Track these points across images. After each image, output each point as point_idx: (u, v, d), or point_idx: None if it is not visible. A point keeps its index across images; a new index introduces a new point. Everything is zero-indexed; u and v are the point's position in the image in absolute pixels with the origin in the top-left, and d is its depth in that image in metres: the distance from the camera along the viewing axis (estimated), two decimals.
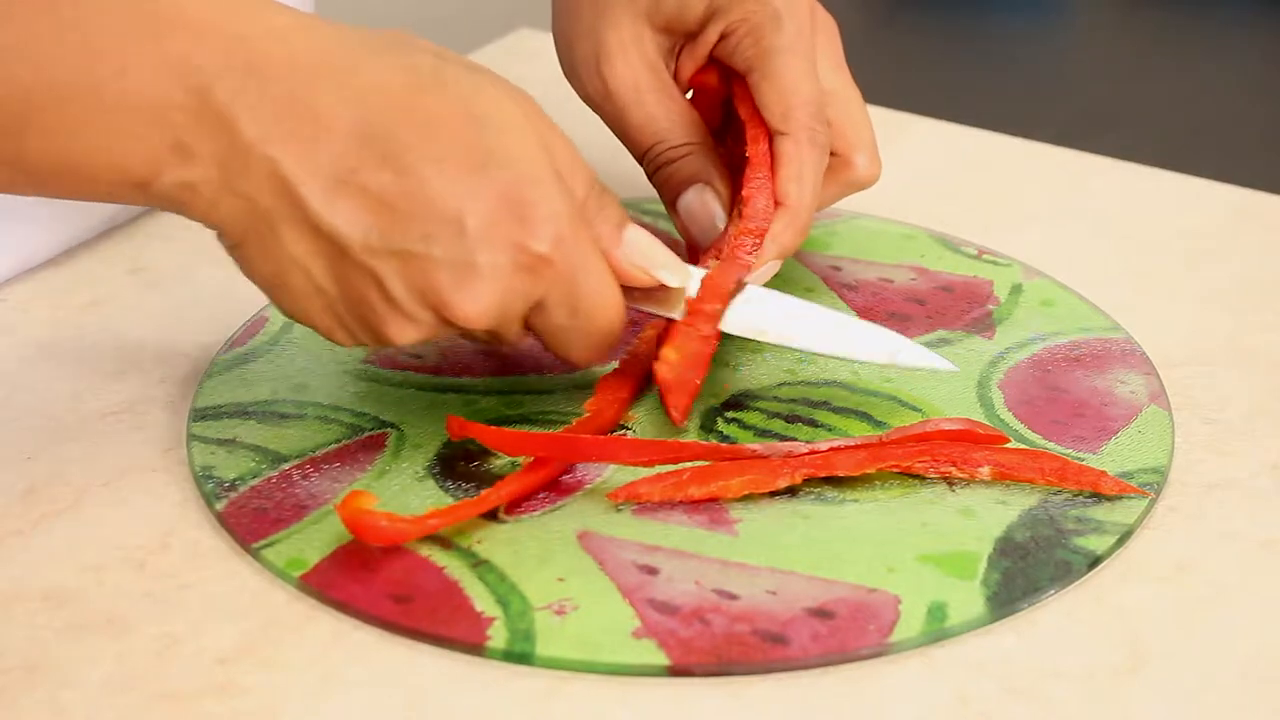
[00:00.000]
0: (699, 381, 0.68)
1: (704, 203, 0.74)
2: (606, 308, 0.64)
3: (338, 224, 0.60)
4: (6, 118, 0.58)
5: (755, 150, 0.72)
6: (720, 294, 0.68)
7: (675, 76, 0.76)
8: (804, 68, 0.73)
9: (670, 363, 0.68)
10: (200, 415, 0.69)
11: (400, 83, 0.60)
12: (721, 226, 0.73)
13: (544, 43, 1.04)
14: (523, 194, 0.61)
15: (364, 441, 0.68)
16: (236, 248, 0.61)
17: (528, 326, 0.64)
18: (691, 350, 0.68)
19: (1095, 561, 0.62)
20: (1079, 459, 0.67)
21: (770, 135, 0.72)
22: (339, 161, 0.59)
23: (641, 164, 0.75)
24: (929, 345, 0.74)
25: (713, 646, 0.58)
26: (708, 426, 0.69)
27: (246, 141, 0.59)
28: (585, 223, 0.63)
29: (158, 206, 0.61)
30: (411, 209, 0.60)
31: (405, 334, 0.62)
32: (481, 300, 0.61)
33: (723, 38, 0.74)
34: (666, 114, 0.74)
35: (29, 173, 0.59)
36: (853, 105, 0.76)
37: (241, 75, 0.59)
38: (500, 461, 0.67)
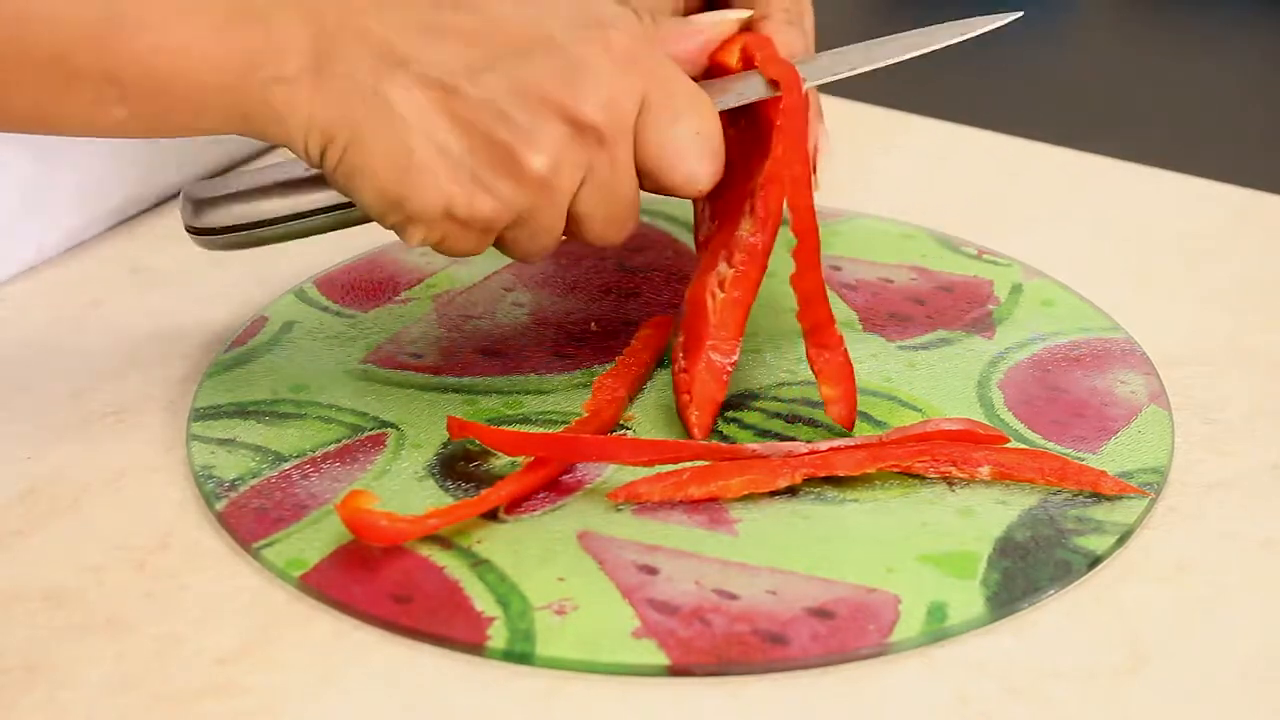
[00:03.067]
0: (720, 397, 0.68)
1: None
2: (702, 102, 0.65)
3: (442, 64, 0.61)
4: (94, 14, 0.58)
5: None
6: (739, 318, 0.68)
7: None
8: None
9: (693, 376, 0.68)
10: (200, 415, 0.69)
11: None
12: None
13: None
14: (591, 6, 0.64)
15: (364, 441, 0.68)
16: (352, 144, 0.61)
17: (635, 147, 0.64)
18: (713, 366, 0.68)
19: (1095, 561, 0.62)
20: (1079, 459, 0.67)
21: (752, 25, 0.72)
22: (420, 15, 0.61)
23: None
24: (929, 345, 0.74)
25: (713, 646, 0.58)
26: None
27: (332, 20, 0.60)
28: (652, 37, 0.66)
29: (258, 129, 0.61)
30: (499, 35, 0.62)
31: (541, 154, 0.62)
32: (597, 91, 0.62)
33: None
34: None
35: (121, 83, 0.59)
36: None
37: None
38: (500, 461, 0.67)
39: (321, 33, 0.60)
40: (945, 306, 0.77)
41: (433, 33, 0.61)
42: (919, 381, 0.72)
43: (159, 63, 0.59)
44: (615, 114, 0.63)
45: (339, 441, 0.68)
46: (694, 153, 0.65)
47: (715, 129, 0.66)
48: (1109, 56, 2.87)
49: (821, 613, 0.60)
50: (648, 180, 0.65)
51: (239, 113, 0.60)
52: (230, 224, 0.68)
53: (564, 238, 0.66)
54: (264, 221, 0.68)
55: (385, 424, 0.69)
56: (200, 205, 0.68)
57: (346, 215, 0.68)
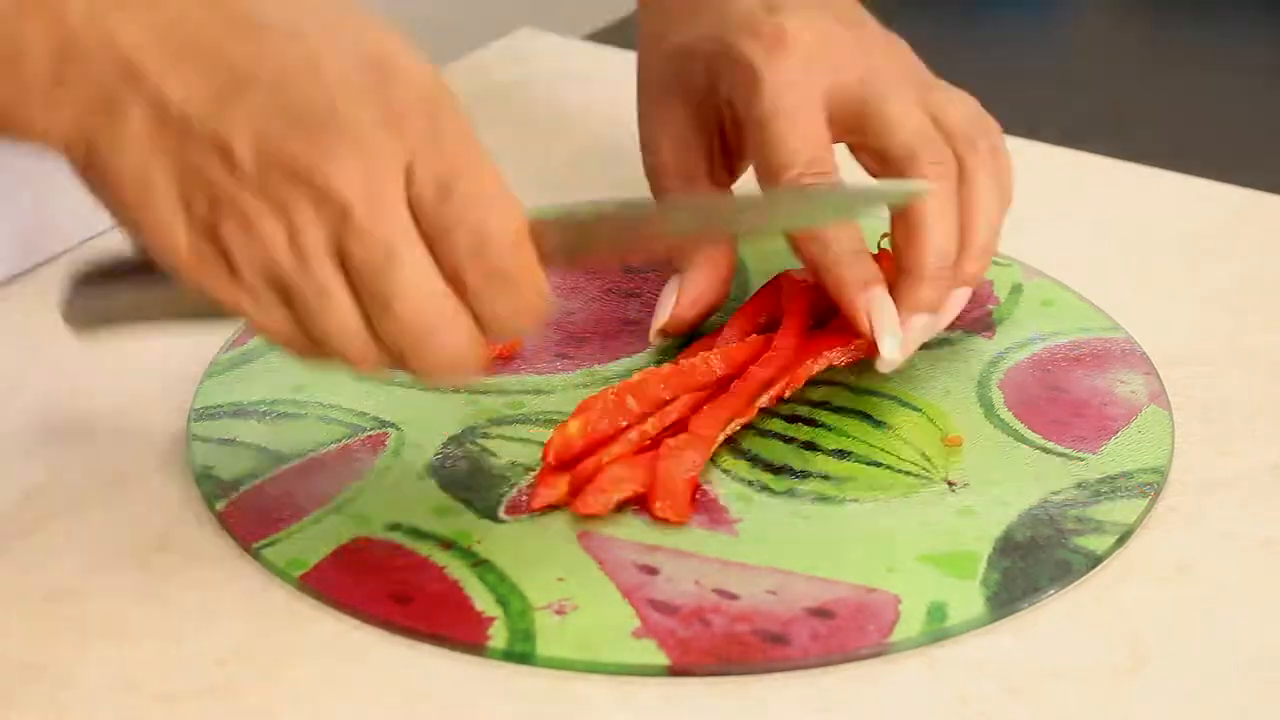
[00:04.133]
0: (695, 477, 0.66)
1: (669, 289, 0.72)
2: (496, 197, 0.55)
3: (182, 89, 0.53)
4: None
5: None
6: (716, 421, 0.67)
7: (725, 152, 0.74)
8: (785, 128, 0.69)
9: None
10: (200, 415, 0.69)
11: None
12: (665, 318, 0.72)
13: (544, 43, 1.04)
14: (385, 49, 0.55)
15: (364, 441, 0.68)
16: (87, 161, 0.54)
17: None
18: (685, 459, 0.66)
19: (1095, 561, 0.62)
20: (1079, 459, 0.67)
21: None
22: (179, 34, 0.54)
23: None
24: (929, 345, 0.74)
25: (713, 646, 0.58)
26: None
27: (77, 18, 0.53)
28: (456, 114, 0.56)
29: (3, 131, 0.54)
30: (258, 66, 0.54)
31: (267, 223, 0.53)
32: (343, 162, 0.53)
33: (729, 105, 0.72)
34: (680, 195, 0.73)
35: None
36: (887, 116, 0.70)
37: None
38: (501, 461, 0.67)
39: (64, 32, 0.53)
40: None
41: (190, 53, 0.54)
42: (919, 381, 0.72)
43: None
44: (365, 186, 0.54)
45: (339, 441, 0.68)
46: (471, 218, 0.55)
47: (492, 191, 0.55)
48: (1109, 56, 2.87)
49: (821, 613, 0.60)
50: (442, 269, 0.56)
51: None
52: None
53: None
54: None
55: (385, 424, 0.69)
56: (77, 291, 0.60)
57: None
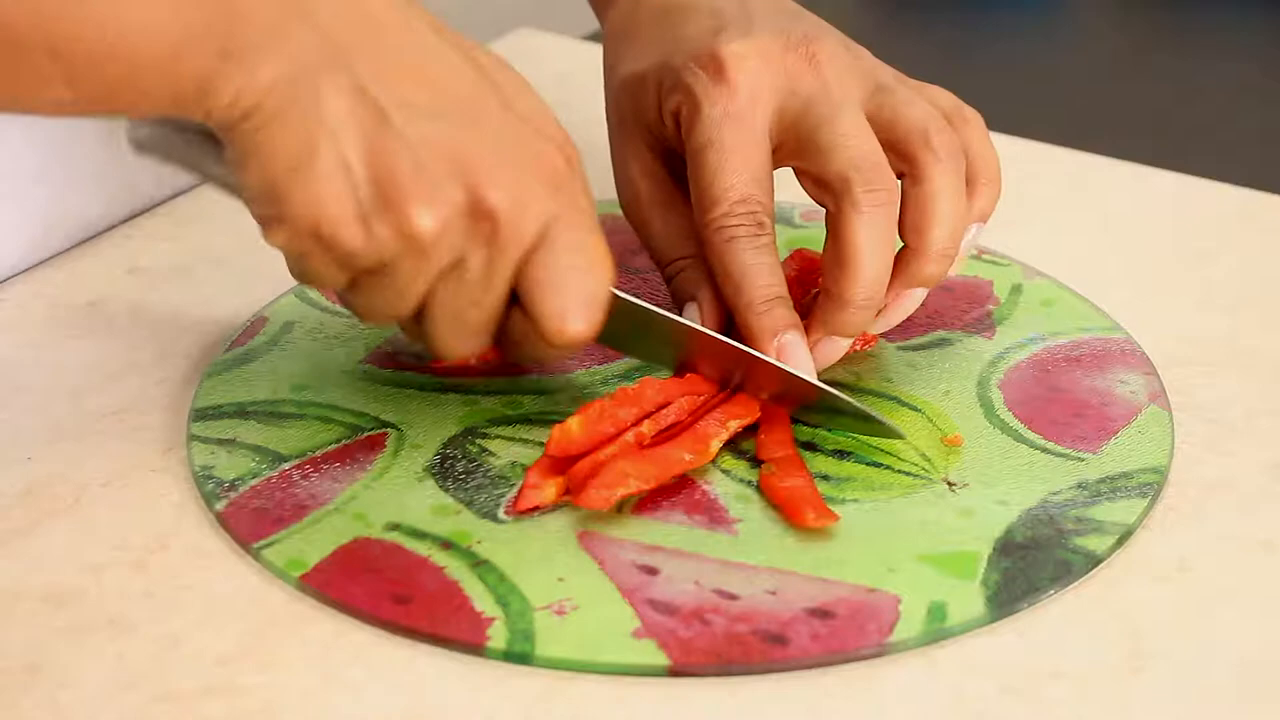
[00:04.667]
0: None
1: (689, 317, 0.70)
2: (603, 258, 0.62)
3: (389, 89, 0.58)
4: None
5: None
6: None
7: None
8: (718, 162, 0.68)
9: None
10: (200, 415, 0.69)
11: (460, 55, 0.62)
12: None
13: (544, 43, 1.04)
14: (549, 126, 0.62)
15: (364, 441, 0.68)
16: (267, 124, 0.57)
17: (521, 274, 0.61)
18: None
19: (1095, 561, 0.62)
20: (1079, 459, 0.67)
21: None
22: (398, 38, 0.59)
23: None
24: (929, 345, 0.74)
25: (713, 646, 0.58)
26: None
27: (298, 6, 0.58)
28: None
29: (188, 95, 0.57)
30: (459, 91, 0.60)
31: (426, 214, 0.58)
32: (509, 182, 0.60)
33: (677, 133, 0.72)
34: (663, 226, 0.72)
35: (65, 59, 0.55)
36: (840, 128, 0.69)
37: None
38: (500, 461, 0.67)
39: (285, 13, 0.57)
40: (945, 306, 0.77)
41: (395, 63, 0.59)
42: (919, 381, 0.72)
43: (106, 38, 0.55)
44: (516, 215, 0.60)
45: (339, 441, 0.68)
46: (574, 298, 0.61)
47: (601, 283, 0.62)
48: (1109, 56, 2.87)
49: (821, 613, 0.60)
50: (522, 304, 0.62)
51: (173, 91, 0.57)
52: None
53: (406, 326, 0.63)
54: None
55: (385, 424, 0.69)
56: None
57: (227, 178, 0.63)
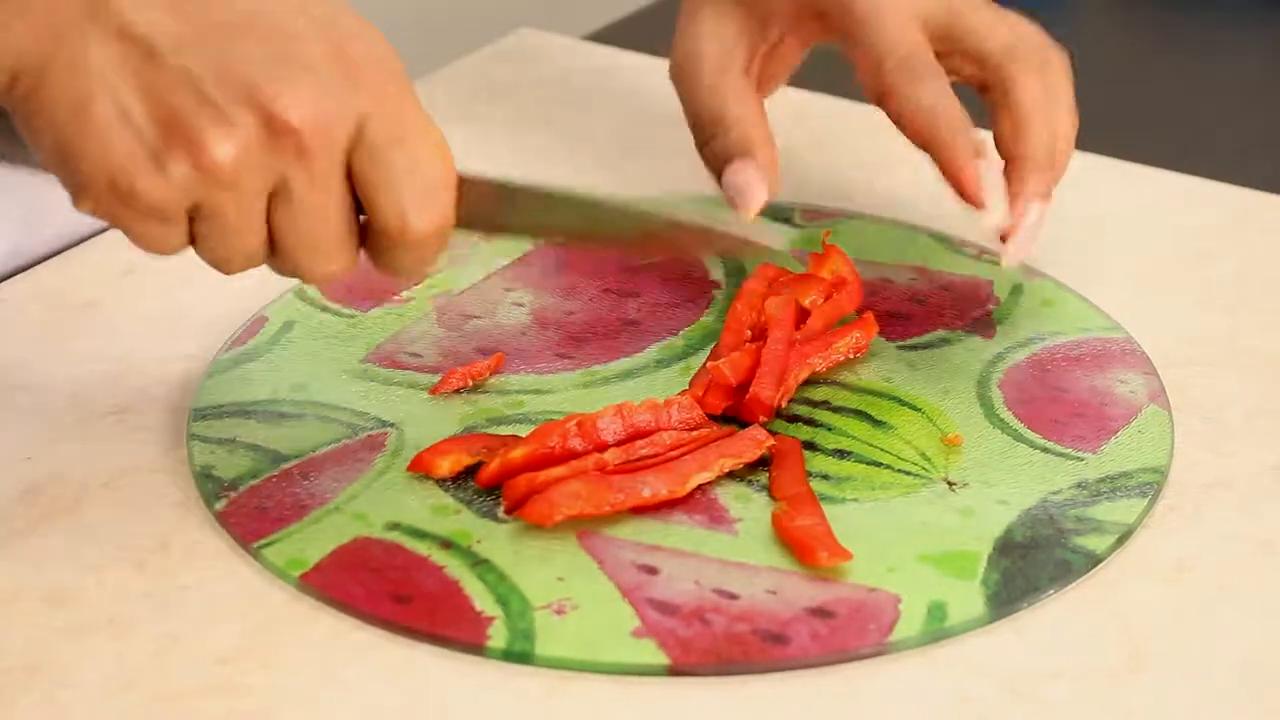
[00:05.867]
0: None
1: (746, 177, 0.73)
2: (431, 136, 0.59)
3: (150, 22, 0.56)
4: None
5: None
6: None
7: (764, 70, 0.77)
8: (887, 18, 0.73)
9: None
10: (200, 415, 0.69)
11: None
12: (762, 198, 0.73)
13: (544, 42, 1.04)
14: (346, 20, 0.59)
15: (364, 441, 0.68)
16: (39, 84, 0.56)
17: (353, 188, 0.59)
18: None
19: (1095, 561, 0.62)
20: (1079, 459, 0.67)
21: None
22: None
23: (695, 139, 0.76)
24: (929, 345, 0.74)
25: (713, 646, 0.58)
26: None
27: None
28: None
29: None
30: (220, 10, 0.57)
31: (222, 144, 0.56)
32: (300, 91, 0.56)
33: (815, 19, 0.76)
34: (716, 85, 0.75)
35: None
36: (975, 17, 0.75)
37: None
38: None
39: None
40: (945, 306, 0.77)
41: None
42: (919, 381, 0.72)
43: None
44: (320, 124, 0.57)
45: (339, 441, 0.68)
46: (408, 187, 0.59)
47: (437, 167, 0.59)
48: (1109, 56, 2.87)
49: (821, 612, 0.60)
50: (365, 212, 0.60)
51: None
52: None
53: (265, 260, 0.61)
54: None
55: (385, 424, 0.69)
56: None
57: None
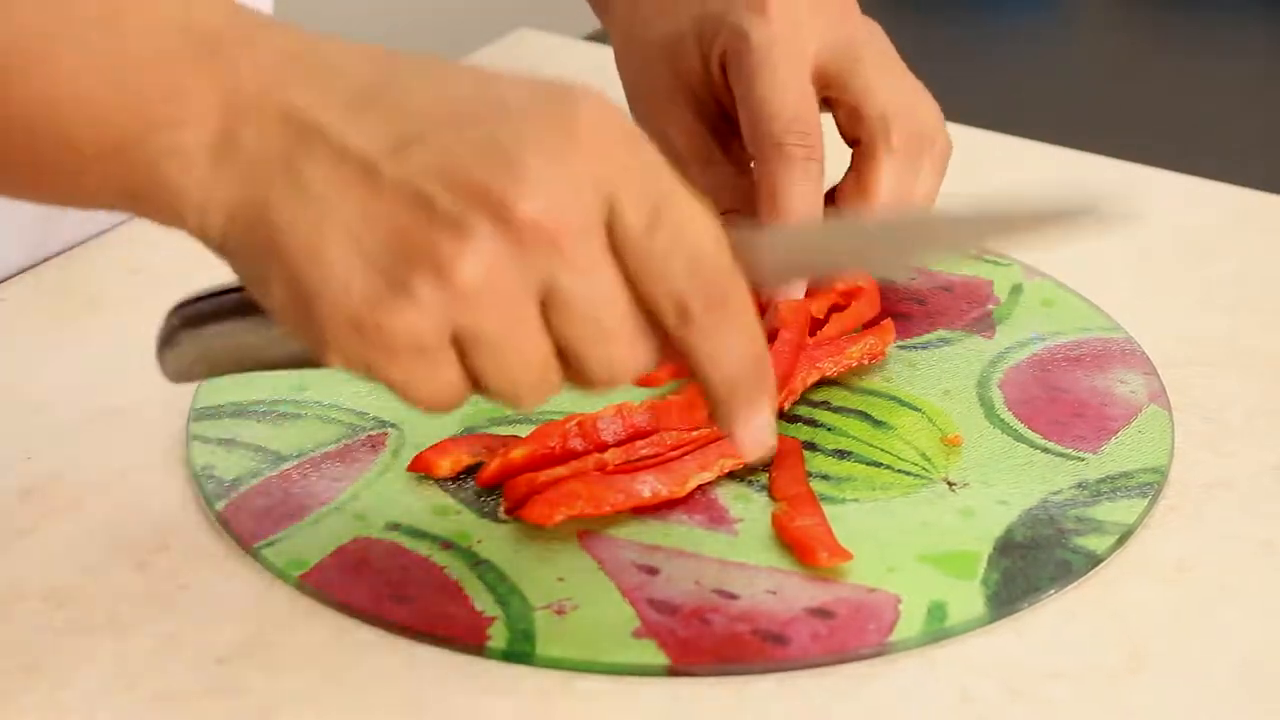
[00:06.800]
0: None
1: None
2: (692, 208, 0.52)
3: (364, 136, 0.50)
4: None
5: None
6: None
7: (734, 133, 0.75)
8: (770, 82, 0.71)
9: None
10: (200, 415, 0.69)
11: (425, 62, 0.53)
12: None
13: (544, 42, 1.04)
14: (559, 87, 0.52)
15: (364, 441, 0.68)
16: (258, 223, 0.51)
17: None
18: None
19: (1095, 561, 0.62)
20: (1079, 459, 0.67)
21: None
22: (351, 84, 0.51)
23: None
24: (929, 345, 0.74)
25: (713, 646, 0.58)
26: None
27: (254, 86, 0.50)
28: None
29: (145, 208, 0.52)
30: (436, 107, 0.51)
31: (462, 255, 0.49)
32: (533, 179, 0.50)
33: (721, 74, 0.74)
34: (702, 182, 0.73)
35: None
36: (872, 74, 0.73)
37: (249, 28, 0.51)
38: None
39: (235, 98, 0.51)
40: (945, 306, 0.77)
41: (361, 103, 0.51)
42: (919, 381, 0.72)
43: (44, 113, 0.50)
44: (565, 211, 0.50)
45: (339, 441, 0.68)
46: (675, 268, 0.51)
47: (701, 237, 0.52)
48: (1108, 56, 2.87)
49: (821, 613, 0.60)
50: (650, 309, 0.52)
51: (122, 186, 0.51)
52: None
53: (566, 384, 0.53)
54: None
55: (385, 424, 0.69)
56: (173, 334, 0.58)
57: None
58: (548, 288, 0.51)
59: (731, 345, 0.53)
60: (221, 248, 0.52)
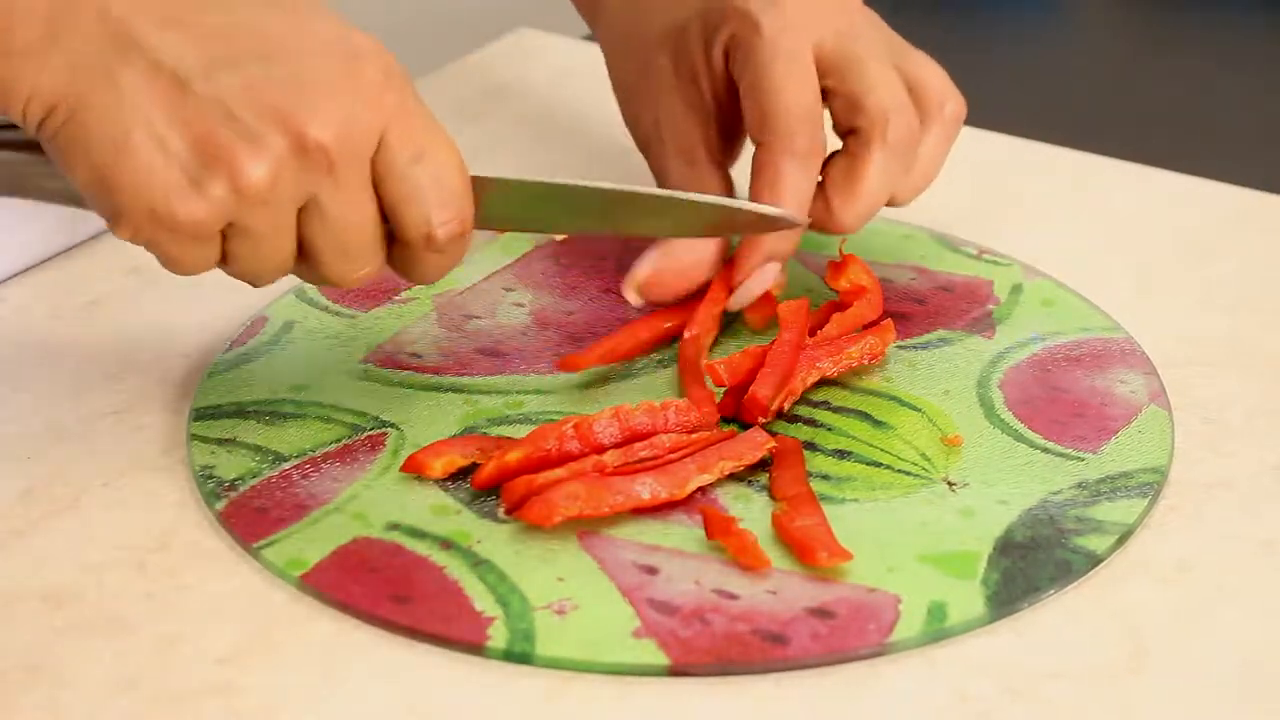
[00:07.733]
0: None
1: (660, 250, 0.74)
2: (444, 146, 0.63)
3: (178, 55, 0.59)
4: None
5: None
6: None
7: (722, 134, 0.76)
8: (787, 71, 0.72)
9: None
10: (200, 415, 0.69)
11: None
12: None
13: (544, 42, 1.04)
14: (354, 38, 0.61)
15: (364, 441, 0.68)
16: (72, 118, 0.58)
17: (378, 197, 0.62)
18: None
19: (1095, 561, 0.62)
20: (1079, 459, 0.67)
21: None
22: (166, 4, 0.59)
23: None
24: (929, 345, 0.74)
25: (713, 646, 0.58)
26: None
27: None
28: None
29: None
30: (245, 38, 0.60)
31: (257, 164, 0.59)
32: (331, 112, 0.60)
33: (728, 63, 0.75)
34: (680, 180, 0.75)
35: None
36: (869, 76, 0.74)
37: None
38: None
39: (58, 5, 0.58)
40: (945, 306, 0.77)
41: (175, 23, 0.59)
42: (919, 381, 0.72)
43: None
44: (346, 141, 0.60)
45: (339, 441, 0.68)
46: (431, 198, 0.62)
47: (455, 177, 0.63)
48: (1108, 56, 2.87)
49: (821, 613, 0.60)
50: (390, 222, 0.63)
51: None
52: None
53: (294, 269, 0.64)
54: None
55: (385, 424, 0.69)
56: None
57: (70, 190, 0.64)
58: (314, 200, 0.61)
59: (450, 266, 0.65)
60: (39, 131, 0.59)
